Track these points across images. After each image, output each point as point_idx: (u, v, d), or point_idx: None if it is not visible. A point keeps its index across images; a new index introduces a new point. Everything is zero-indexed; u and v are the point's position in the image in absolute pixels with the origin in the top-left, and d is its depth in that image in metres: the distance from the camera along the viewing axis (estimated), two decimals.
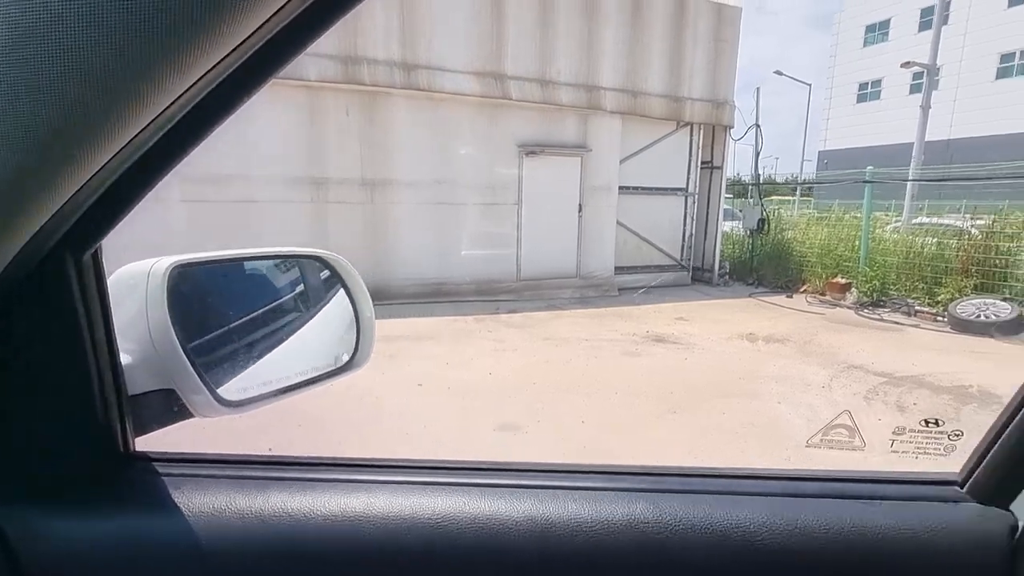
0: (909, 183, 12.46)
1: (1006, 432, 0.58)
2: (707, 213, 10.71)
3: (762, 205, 10.74)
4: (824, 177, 23.95)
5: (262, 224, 7.38)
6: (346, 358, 0.82)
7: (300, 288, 0.92)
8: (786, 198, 21.06)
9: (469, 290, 8.72)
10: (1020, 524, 0.57)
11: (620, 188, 9.64)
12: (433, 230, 8.46)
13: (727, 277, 10.68)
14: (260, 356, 0.77)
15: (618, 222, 9.78)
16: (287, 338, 0.84)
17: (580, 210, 9.35)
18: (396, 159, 8.10)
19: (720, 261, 10.70)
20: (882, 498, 0.60)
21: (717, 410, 4.48)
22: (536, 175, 8.90)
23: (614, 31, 8.84)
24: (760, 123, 10.53)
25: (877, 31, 31.55)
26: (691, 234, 10.57)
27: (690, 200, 10.44)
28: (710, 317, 8.01)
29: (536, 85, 8.47)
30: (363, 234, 8.11)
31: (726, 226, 11.30)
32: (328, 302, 0.90)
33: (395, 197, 8.18)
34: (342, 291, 0.84)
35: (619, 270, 9.91)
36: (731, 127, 10.07)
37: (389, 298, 8.06)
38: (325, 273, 0.89)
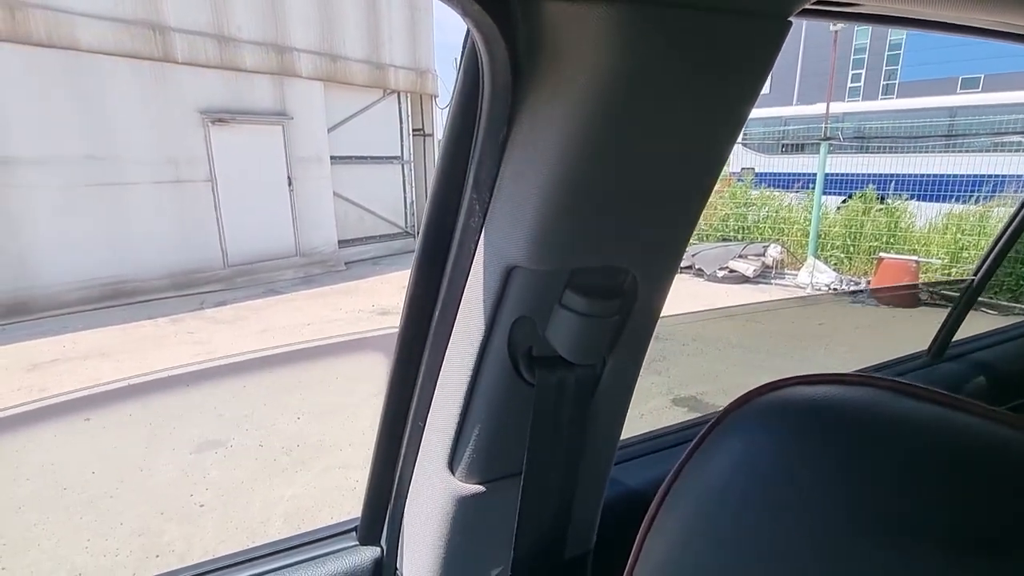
0: None
1: (368, 476, 0.71)
2: (425, 179, 11.10)
3: None
4: None
5: None
6: None
7: None
8: None
9: (163, 285, 7.39)
10: (384, 554, 0.72)
11: (333, 158, 9.22)
12: (92, 217, 6.79)
13: None
14: None
15: (336, 194, 9.40)
16: None
17: (290, 184, 8.66)
18: (23, 130, 6.15)
19: None
20: (298, 563, 0.69)
21: None
22: (230, 147, 7.85)
23: None
24: None
25: None
26: (412, 200, 10.85)
27: (407, 167, 10.65)
28: None
29: (212, 42, 7.32)
30: None
31: None
32: None
33: (22, 179, 6.25)
34: None
35: (344, 243, 9.62)
36: (436, 96, 10.49)
37: (37, 311, 6.29)
38: None
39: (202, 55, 7.28)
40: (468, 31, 0.45)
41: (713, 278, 8.11)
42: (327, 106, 8.94)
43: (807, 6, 0.43)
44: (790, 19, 0.42)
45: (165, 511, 2.94)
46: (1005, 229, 1.16)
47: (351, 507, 3.02)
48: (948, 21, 0.57)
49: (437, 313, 0.58)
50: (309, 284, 8.29)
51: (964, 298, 1.21)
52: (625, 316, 0.55)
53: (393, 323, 5.86)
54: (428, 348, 0.60)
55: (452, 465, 0.60)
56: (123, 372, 4.89)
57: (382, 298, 7.44)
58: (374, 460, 0.69)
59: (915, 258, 7.10)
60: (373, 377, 4.12)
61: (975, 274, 1.19)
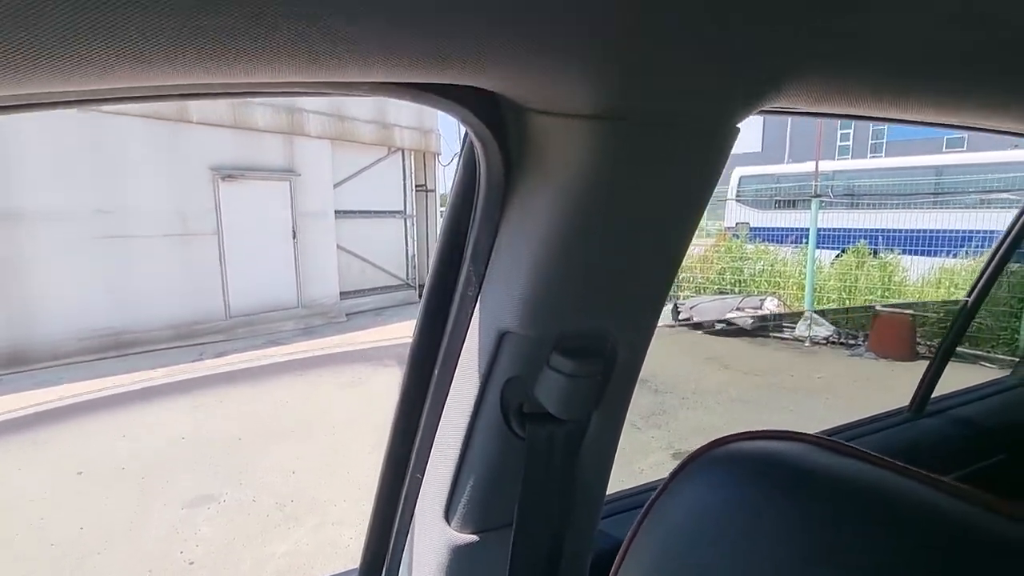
0: None
1: (368, 527, 0.75)
2: (427, 233, 11.35)
3: None
4: None
5: None
6: None
7: None
8: None
9: (164, 336, 7.42)
10: None
11: (338, 212, 9.47)
12: (99, 269, 6.91)
13: None
14: None
15: (340, 246, 9.59)
16: None
17: (295, 236, 8.85)
18: (32, 184, 6.37)
19: None
20: None
21: None
22: (238, 201, 8.08)
23: None
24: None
25: None
26: (413, 253, 11.04)
27: (409, 221, 10.91)
28: None
29: (226, 103, 7.70)
30: None
31: None
32: None
33: (30, 233, 6.41)
34: None
35: (345, 294, 9.72)
36: (439, 153, 10.89)
37: (36, 361, 6.29)
38: None
39: (216, 115, 7.63)
40: (466, 132, 0.53)
41: (711, 330, 8.15)
42: (334, 163, 9.27)
43: (752, 113, 0.52)
44: (738, 125, 0.51)
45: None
46: (974, 286, 1.23)
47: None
48: (882, 116, 0.66)
49: (436, 372, 0.64)
50: (309, 335, 8.32)
51: (939, 354, 1.26)
52: (607, 375, 0.61)
53: (391, 374, 5.85)
54: (427, 404, 0.65)
55: (448, 515, 0.64)
56: (115, 424, 4.85)
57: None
58: (374, 512, 0.73)
59: (911, 312, 7.17)
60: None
61: (946, 336, 1.25)
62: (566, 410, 0.59)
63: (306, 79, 0.40)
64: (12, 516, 3.41)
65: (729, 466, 0.36)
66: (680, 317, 8.75)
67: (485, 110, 0.49)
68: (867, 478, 0.32)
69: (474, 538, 0.64)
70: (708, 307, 8.51)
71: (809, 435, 0.35)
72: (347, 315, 9.48)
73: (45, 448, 4.37)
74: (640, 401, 5.51)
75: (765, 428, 0.38)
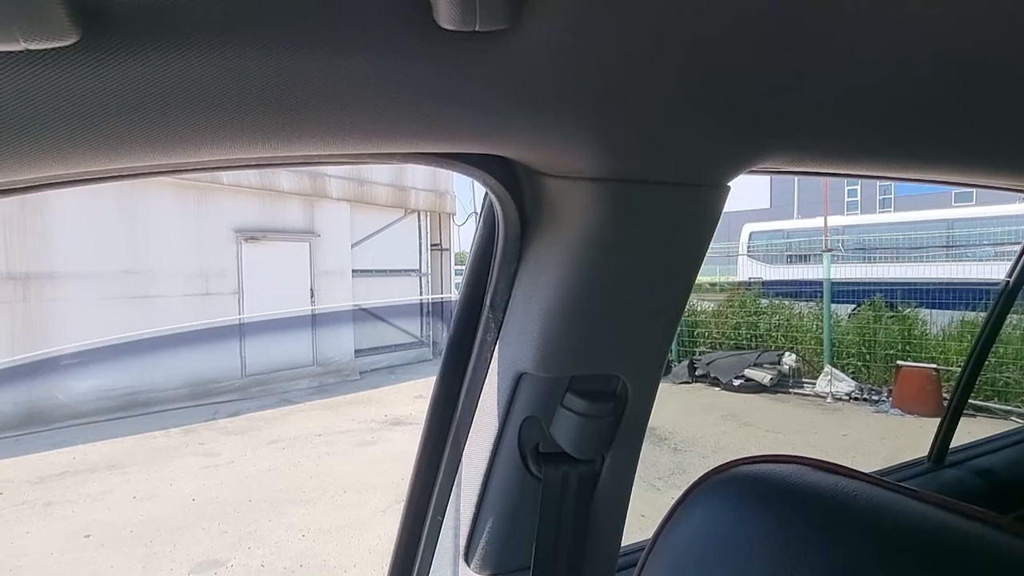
0: None
1: (388, 570, 0.76)
2: (441, 291, 11.50)
3: None
4: None
5: None
6: None
7: None
8: None
9: (180, 395, 7.45)
10: None
11: (355, 271, 9.69)
12: (122, 329, 7.08)
13: None
14: None
15: (355, 305, 9.75)
16: None
17: (312, 295, 9.03)
18: (61, 247, 6.66)
19: None
20: None
21: None
22: (259, 261, 8.34)
23: None
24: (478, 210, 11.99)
25: None
26: (428, 311, 11.15)
27: (424, 280, 11.09)
28: None
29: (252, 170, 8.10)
30: (7, 342, 6.32)
31: None
32: None
33: (58, 293, 6.64)
34: None
35: (360, 352, 9.76)
36: (453, 214, 11.21)
37: (55, 421, 6.34)
38: None
39: (244, 179, 8.01)
40: (486, 193, 0.60)
41: (729, 387, 8.00)
42: (352, 224, 9.58)
43: (743, 173, 0.58)
44: (728, 184, 0.57)
45: None
46: (978, 339, 1.25)
47: None
48: (866, 174, 0.72)
49: (458, 414, 0.67)
50: (323, 394, 8.31)
51: (952, 404, 1.26)
52: (619, 416, 0.64)
53: (404, 434, 5.81)
54: (449, 445, 0.68)
55: (468, 557, 0.66)
56: (132, 485, 4.82)
57: (395, 408, 7.39)
58: (395, 554, 0.75)
59: (934, 366, 6.99)
60: None
61: (957, 383, 1.25)
62: (580, 448, 0.62)
63: (348, 151, 0.47)
64: None
65: (732, 490, 0.39)
66: (697, 373, 8.61)
67: (502, 174, 0.56)
68: (865, 496, 0.34)
69: None
70: (725, 363, 8.39)
71: (808, 458, 0.38)
72: (361, 373, 9.48)
73: (54, 510, 4.33)
74: (660, 460, 5.35)
75: None
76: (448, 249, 11.52)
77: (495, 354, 0.62)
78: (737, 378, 8.01)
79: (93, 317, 6.83)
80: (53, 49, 0.30)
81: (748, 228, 12.59)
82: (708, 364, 8.50)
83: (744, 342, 9.21)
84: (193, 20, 0.32)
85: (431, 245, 11.20)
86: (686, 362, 8.84)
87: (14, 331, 6.35)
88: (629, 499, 0.71)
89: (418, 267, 11.00)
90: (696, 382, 8.50)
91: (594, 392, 0.61)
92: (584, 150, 0.50)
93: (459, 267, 12.31)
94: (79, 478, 4.94)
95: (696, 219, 0.57)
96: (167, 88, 0.34)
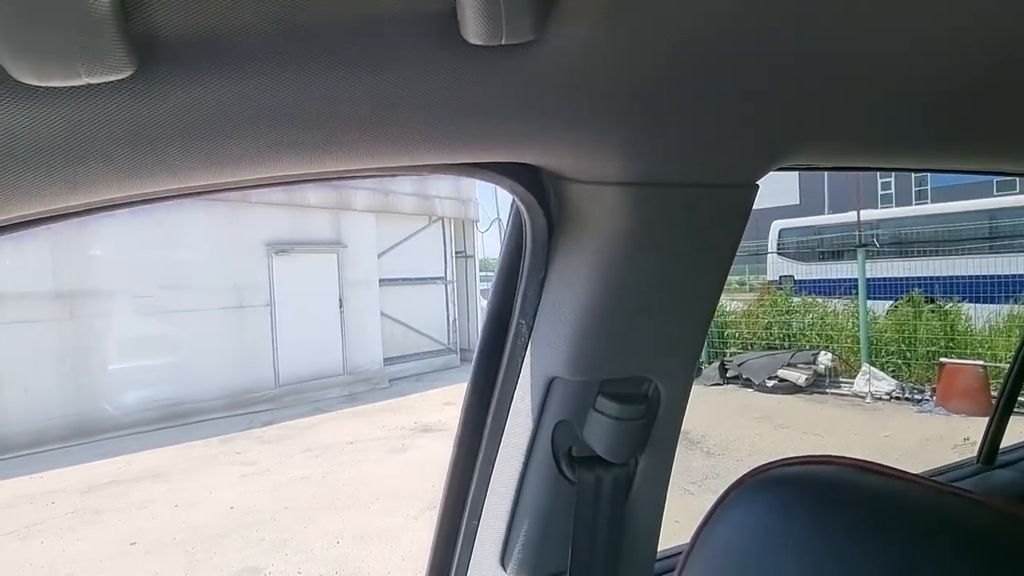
0: None
1: (428, 566, 0.77)
2: (467, 297, 11.57)
3: None
4: None
5: None
6: None
7: None
8: None
9: (217, 406, 7.67)
10: None
11: (381, 280, 9.83)
12: (158, 343, 7.33)
13: None
14: None
15: (383, 313, 9.87)
16: None
17: (341, 305, 9.19)
18: (101, 265, 6.94)
19: None
20: None
21: None
22: (289, 273, 8.53)
23: None
24: (503, 216, 12.07)
25: None
26: (454, 318, 11.22)
27: (449, 287, 11.18)
28: None
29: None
30: (57, 358, 6.61)
31: None
32: None
33: (102, 310, 6.91)
34: None
35: (389, 360, 9.88)
36: (477, 221, 11.28)
37: (99, 433, 6.59)
38: None
39: (273, 194, 8.22)
40: (513, 200, 0.61)
41: (763, 388, 7.82)
42: (378, 233, 9.73)
43: (770, 171, 0.57)
44: (756, 183, 0.56)
45: None
46: None
47: None
48: (895, 166, 0.70)
49: (490, 419, 0.68)
50: (353, 402, 8.43)
51: (1001, 401, 1.21)
52: (652, 419, 0.64)
53: (433, 440, 5.83)
54: (482, 451, 0.69)
55: (504, 561, 0.66)
56: (174, 493, 4.97)
57: (424, 415, 7.45)
58: (431, 560, 0.75)
59: (981, 363, 6.70)
60: None
61: (1005, 381, 1.20)
62: (613, 451, 0.62)
63: (378, 165, 0.48)
64: None
65: (772, 491, 0.38)
66: (728, 375, 8.45)
67: (528, 181, 0.57)
68: (913, 497, 0.34)
69: None
70: (757, 364, 8.20)
71: (851, 458, 0.38)
72: (390, 381, 9.59)
73: (103, 518, 4.50)
74: (692, 464, 5.26)
75: None
76: (472, 256, 11.59)
77: (526, 359, 0.63)
78: (770, 379, 7.82)
79: (130, 333, 7.10)
80: (112, 82, 0.32)
81: (777, 225, 12.31)
82: (739, 365, 8.33)
83: (776, 342, 9.00)
84: (239, 48, 0.34)
85: (455, 252, 11.28)
86: (717, 363, 8.68)
87: (64, 348, 6.64)
88: (664, 502, 0.71)
89: (443, 275, 11.09)
90: (727, 383, 8.33)
91: (626, 395, 0.61)
92: (610, 155, 0.50)
93: (484, 274, 12.36)
94: (125, 487, 5.12)
95: (725, 219, 0.57)
96: (215, 112, 0.36)
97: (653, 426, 0.64)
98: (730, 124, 0.51)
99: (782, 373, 7.85)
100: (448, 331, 11.14)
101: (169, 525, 4.31)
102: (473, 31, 0.35)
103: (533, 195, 0.56)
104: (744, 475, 0.41)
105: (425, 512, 4.39)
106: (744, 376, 8.17)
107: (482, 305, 11.98)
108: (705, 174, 0.54)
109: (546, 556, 0.65)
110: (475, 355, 0.68)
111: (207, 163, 0.39)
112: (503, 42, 0.36)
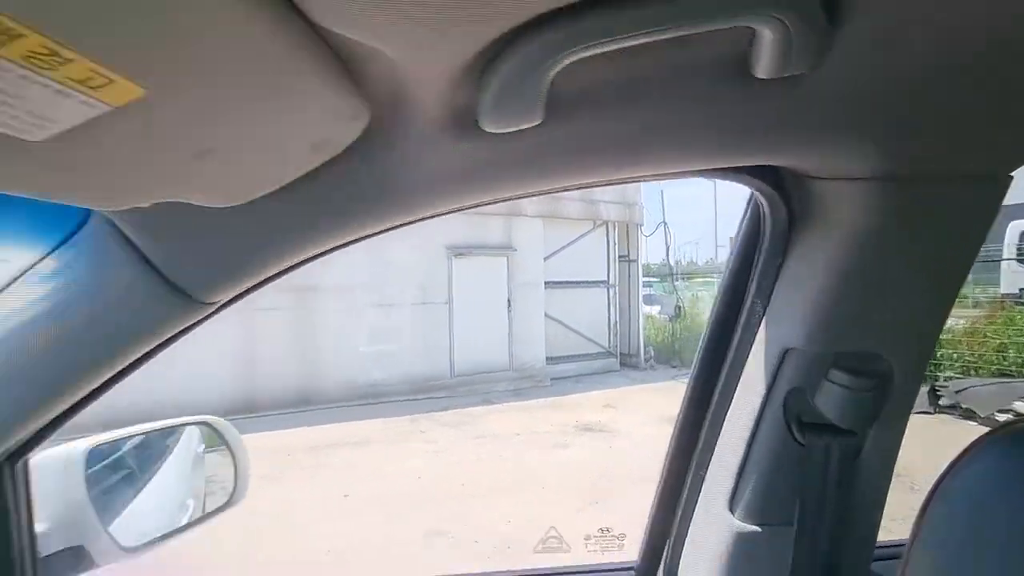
0: None
1: (648, 522, 0.88)
2: (628, 302, 11.48)
3: (677, 294, 11.66)
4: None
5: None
6: (225, 498, 1.00)
7: (180, 446, 1.14)
8: (709, 279, 22.65)
9: (403, 389, 8.73)
10: None
11: (547, 283, 10.25)
12: (362, 332, 8.59)
13: (652, 361, 11.29)
14: (154, 505, 0.97)
15: (547, 315, 10.29)
16: (172, 486, 1.04)
17: (509, 306, 9.80)
18: (325, 264, 8.35)
19: (644, 346, 11.35)
20: None
21: (637, 497, 4.69)
22: (465, 275, 9.37)
23: None
24: (668, 219, 11.74)
25: None
26: (615, 322, 11.22)
27: (612, 291, 11.20)
28: (635, 402, 8.38)
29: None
30: (293, 341, 8.13)
31: (654, 310, 12.10)
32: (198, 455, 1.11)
33: (323, 303, 8.33)
34: (221, 449, 1.05)
35: (550, 360, 10.26)
36: (641, 225, 11.14)
37: (321, 403, 7.95)
38: (206, 431, 1.11)
39: None
40: (752, 194, 0.71)
41: (989, 421, 6.49)
42: (544, 237, 10.18)
43: None
44: (1010, 174, 0.58)
45: None
46: None
47: None
48: None
49: (720, 384, 0.79)
50: (518, 397, 8.92)
51: None
52: (882, 394, 0.69)
53: (594, 439, 5.90)
54: (711, 411, 0.80)
55: (732, 506, 0.76)
56: (375, 459, 5.81)
57: (585, 415, 7.60)
58: (655, 507, 0.88)
59: None
60: None
61: None
62: (844, 419, 0.68)
63: (652, 171, 0.62)
64: (290, 522, 4.31)
65: (1020, 447, 0.40)
66: (941, 403, 7.16)
67: (770, 179, 0.66)
68: None
69: (756, 529, 0.74)
70: (984, 392, 6.84)
71: None
72: (551, 380, 9.95)
73: (322, 472, 5.44)
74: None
75: None
76: (635, 260, 11.48)
77: (760, 332, 0.73)
78: (1002, 411, 6.46)
79: (342, 322, 8.44)
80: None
81: (1017, 227, 10.07)
82: (958, 393, 7.02)
83: (1012, 368, 7.39)
84: (606, 96, 0.49)
85: (619, 256, 11.28)
86: (926, 388, 7.42)
87: (297, 330, 8.16)
88: (891, 478, 0.74)
89: (606, 278, 11.16)
90: (940, 413, 7.08)
91: (859, 369, 0.68)
92: (855, 153, 0.55)
93: (647, 279, 12.09)
94: (338, 450, 6.12)
95: (974, 212, 0.59)
96: (580, 141, 0.53)
97: (883, 402, 0.69)
98: (986, 114, 0.51)
99: (1019, 406, 6.44)
100: (609, 334, 11.17)
101: (372, 484, 5.07)
102: (763, 67, 0.44)
103: (774, 190, 0.65)
104: (986, 433, 0.43)
105: (586, 508, 4.53)
106: (964, 406, 6.87)
107: (645, 311, 11.79)
108: (953, 166, 0.56)
109: (772, 507, 0.74)
110: (707, 326, 0.79)
111: (549, 179, 0.57)
112: (783, 74, 0.46)
